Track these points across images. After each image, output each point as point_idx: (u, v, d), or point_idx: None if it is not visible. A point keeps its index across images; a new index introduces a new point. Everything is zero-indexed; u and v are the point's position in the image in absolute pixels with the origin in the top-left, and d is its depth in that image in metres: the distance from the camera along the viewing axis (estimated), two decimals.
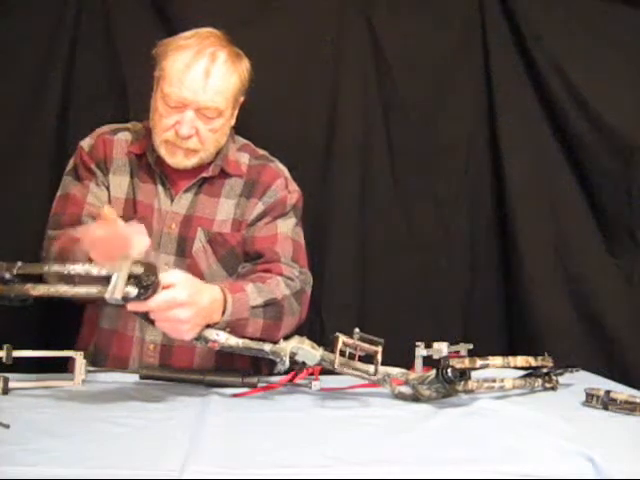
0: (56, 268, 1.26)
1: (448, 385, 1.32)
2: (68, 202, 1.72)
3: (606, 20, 2.20)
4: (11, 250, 2.04)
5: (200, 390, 1.46)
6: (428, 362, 1.46)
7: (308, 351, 1.37)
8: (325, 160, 2.23)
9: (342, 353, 1.37)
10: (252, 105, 2.15)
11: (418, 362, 1.45)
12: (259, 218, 1.70)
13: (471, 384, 1.35)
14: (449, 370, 1.32)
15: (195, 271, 1.64)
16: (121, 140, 1.74)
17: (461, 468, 1.05)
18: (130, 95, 2.16)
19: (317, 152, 2.23)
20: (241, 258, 1.70)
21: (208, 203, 1.70)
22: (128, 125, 1.79)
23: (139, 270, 1.21)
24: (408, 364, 1.47)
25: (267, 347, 1.37)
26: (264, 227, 1.70)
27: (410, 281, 2.28)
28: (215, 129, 1.64)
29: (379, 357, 1.32)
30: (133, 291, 1.20)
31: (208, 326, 1.41)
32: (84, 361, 1.46)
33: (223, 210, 1.70)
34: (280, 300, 1.59)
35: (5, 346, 1.40)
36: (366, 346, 1.34)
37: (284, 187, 1.74)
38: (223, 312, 1.46)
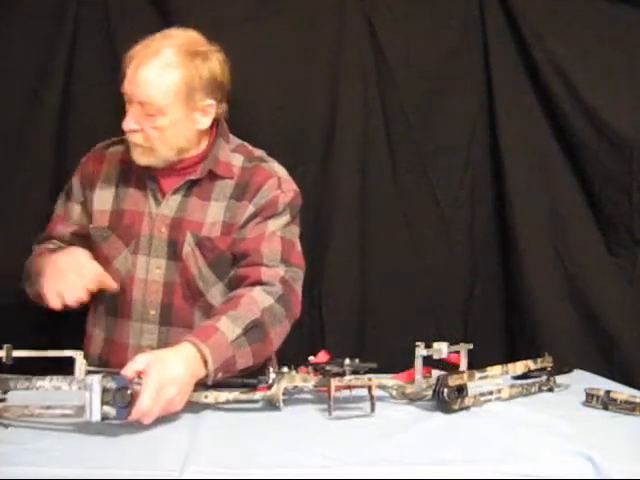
0: (23, 384, 1.21)
1: (444, 405, 1.32)
2: (52, 221, 1.79)
3: (606, 20, 2.21)
4: (11, 250, 2.05)
5: (200, 390, 1.45)
6: (428, 362, 1.46)
7: (301, 387, 1.36)
8: (325, 160, 2.23)
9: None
10: (252, 105, 2.17)
11: (418, 362, 1.45)
12: (250, 219, 1.67)
13: (468, 401, 1.36)
14: (445, 391, 1.32)
15: (187, 274, 1.65)
16: (112, 153, 1.76)
17: (461, 468, 1.05)
18: None
19: (317, 152, 2.23)
20: (231, 262, 1.67)
21: (198, 206, 1.68)
22: (123, 139, 1.77)
23: (111, 384, 1.16)
24: (408, 364, 1.47)
25: (258, 396, 1.35)
26: (254, 228, 1.67)
27: (410, 281, 2.29)
28: (159, 127, 1.61)
29: (374, 392, 1.32)
30: (112, 411, 1.15)
31: (197, 385, 1.37)
32: (84, 361, 1.46)
33: (212, 213, 1.67)
34: (260, 318, 1.53)
35: (5, 346, 1.39)
36: (359, 383, 1.33)
37: (276, 187, 1.69)
38: (205, 363, 1.39)
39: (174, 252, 1.66)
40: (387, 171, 2.28)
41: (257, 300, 1.56)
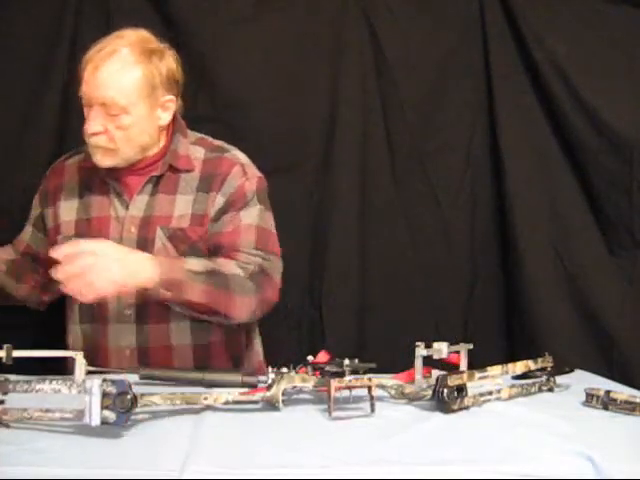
0: (22, 386, 1.21)
1: (444, 406, 1.32)
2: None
3: (606, 20, 2.20)
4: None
5: (200, 389, 1.45)
6: (428, 362, 1.46)
7: (300, 388, 1.36)
8: (325, 160, 2.23)
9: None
10: (252, 105, 2.17)
11: (418, 362, 1.45)
12: (223, 212, 1.69)
13: (467, 401, 1.36)
14: (445, 391, 1.32)
15: None
16: (71, 164, 1.79)
17: (461, 468, 1.05)
18: None
19: (317, 152, 2.23)
20: (204, 253, 1.69)
21: (164, 201, 1.69)
22: (82, 149, 1.79)
23: (111, 389, 1.15)
24: (408, 364, 1.47)
25: (258, 397, 1.35)
26: (229, 222, 1.69)
27: (410, 281, 2.29)
28: (123, 126, 1.62)
29: (374, 392, 1.32)
30: (111, 415, 1.14)
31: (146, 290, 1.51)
32: (84, 361, 1.46)
33: (180, 206, 1.69)
34: (225, 273, 1.61)
35: (5, 346, 1.39)
36: (358, 384, 1.33)
37: (242, 175, 1.71)
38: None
39: (144, 250, 1.64)
40: (387, 171, 2.28)
41: (229, 265, 1.63)
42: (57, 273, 1.43)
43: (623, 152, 2.15)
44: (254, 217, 1.70)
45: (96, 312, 1.68)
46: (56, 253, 1.44)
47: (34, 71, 2.11)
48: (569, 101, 2.18)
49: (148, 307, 1.66)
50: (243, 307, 1.63)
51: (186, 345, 1.69)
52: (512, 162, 2.24)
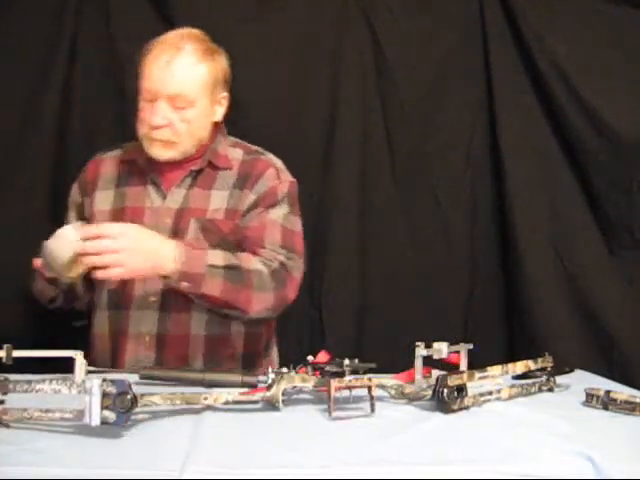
0: (22, 386, 1.21)
1: (444, 406, 1.32)
2: None
3: (606, 20, 2.21)
4: (11, 250, 2.05)
5: (200, 389, 1.45)
6: (428, 362, 1.46)
7: (300, 388, 1.36)
8: (325, 160, 2.23)
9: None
10: (252, 105, 2.17)
11: (418, 362, 1.45)
12: (251, 208, 1.74)
13: (467, 401, 1.35)
14: (445, 391, 1.32)
15: None
16: (110, 157, 1.84)
17: (461, 468, 1.05)
18: (129, 95, 2.16)
19: (317, 152, 2.23)
20: (234, 246, 1.72)
21: (201, 195, 1.74)
22: (121, 145, 1.86)
23: (111, 389, 1.15)
24: (408, 364, 1.47)
25: (258, 397, 1.35)
26: (256, 217, 1.74)
27: (410, 281, 2.29)
28: (188, 119, 1.69)
29: (374, 392, 1.32)
30: (111, 415, 1.14)
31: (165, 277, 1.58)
32: (84, 361, 1.46)
33: (216, 201, 1.74)
34: (246, 269, 1.64)
35: (5, 346, 1.39)
36: (358, 384, 1.34)
37: (275, 177, 1.77)
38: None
39: (178, 240, 1.69)
40: (387, 171, 2.28)
41: (252, 261, 1.67)
42: (88, 248, 1.50)
43: (623, 152, 2.15)
44: (280, 216, 1.76)
45: (122, 298, 1.71)
46: (87, 230, 1.52)
47: (34, 71, 2.11)
48: (569, 101, 2.19)
49: (173, 295, 1.69)
50: (260, 303, 1.66)
51: (204, 336, 1.71)
52: (512, 162, 2.25)
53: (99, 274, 1.54)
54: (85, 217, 1.80)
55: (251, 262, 1.67)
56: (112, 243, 1.51)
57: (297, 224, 1.80)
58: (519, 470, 1.05)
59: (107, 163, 1.83)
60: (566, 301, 2.22)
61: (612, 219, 2.20)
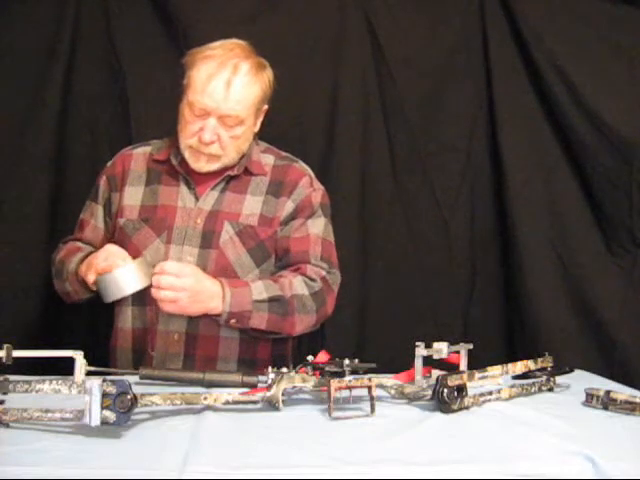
0: (22, 386, 1.21)
1: (443, 406, 1.32)
2: (79, 226, 1.86)
3: (606, 20, 2.20)
4: (11, 250, 2.05)
5: (200, 389, 1.46)
6: (428, 362, 1.46)
7: (300, 388, 1.37)
8: (325, 160, 2.23)
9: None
10: None
11: (418, 362, 1.45)
12: (291, 218, 1.77)
13: (467, 401, 1.36)
14: (445, 391, 1.32)
15: (222, 261, 1.72)
16: (139, 154, 1.84)
17: (461, 468, 1.05)
18: (130, 95, 2.16)
19: (317, 152, 2.23)
20: (270, 253, 1.76)
21: (234, 199, 1.77)
22: (149, 142, 1.87)
23: (112, 389, 1.15)
24: (408, 364, 1.47)
25: (258, 397, 1.35)
26: (298, 228, 1.77)
27: (410, 281, 2.29)
28: (236, 136, 1.71)
29: (374, 392, 1.32)
30: (111, 415, 1.15)
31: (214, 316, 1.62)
32: (84, 361, 1.46)
33: (249, 205, 1.76)
34: (287, 298, 1.67)
35: (5, 346, 1.39)
36: (358, 384, 1.34)
37: (309, 185, 1.81)
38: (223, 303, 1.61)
39: (208, 241, 1.73)
40: (387, 171, 2.28)
41: (294, 285, 1.70)
42: (154, 282, 1.58)
43: (623, 152, 2.15)
44: (320, 228, 1.79)
45: (148, 297, 1.69)
46: (159, 267, 1.58)
47: (34, 71, 2.10)
48: (569, 101, 2.18)
49: None
50: (303, 324, 1.72)
51: (234, 338, 1.73)
52: (512, 162, 2.24)
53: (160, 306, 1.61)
54: (111, 211, 1.81)
55: (292, 287, 1.69)
56: (175, 281, 1.57)
57: (332, 234, 1.83)
58: (519, 470, 1.05)
59: (136, 159, 1.83)
60: (566, 301, 2.22)
61: (612, 219, 2.20)
